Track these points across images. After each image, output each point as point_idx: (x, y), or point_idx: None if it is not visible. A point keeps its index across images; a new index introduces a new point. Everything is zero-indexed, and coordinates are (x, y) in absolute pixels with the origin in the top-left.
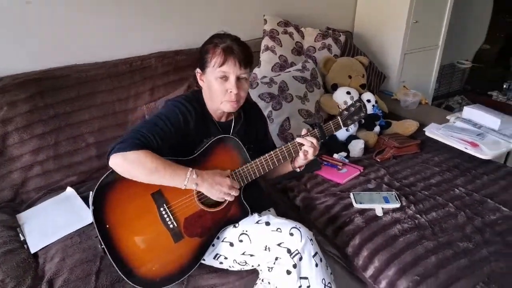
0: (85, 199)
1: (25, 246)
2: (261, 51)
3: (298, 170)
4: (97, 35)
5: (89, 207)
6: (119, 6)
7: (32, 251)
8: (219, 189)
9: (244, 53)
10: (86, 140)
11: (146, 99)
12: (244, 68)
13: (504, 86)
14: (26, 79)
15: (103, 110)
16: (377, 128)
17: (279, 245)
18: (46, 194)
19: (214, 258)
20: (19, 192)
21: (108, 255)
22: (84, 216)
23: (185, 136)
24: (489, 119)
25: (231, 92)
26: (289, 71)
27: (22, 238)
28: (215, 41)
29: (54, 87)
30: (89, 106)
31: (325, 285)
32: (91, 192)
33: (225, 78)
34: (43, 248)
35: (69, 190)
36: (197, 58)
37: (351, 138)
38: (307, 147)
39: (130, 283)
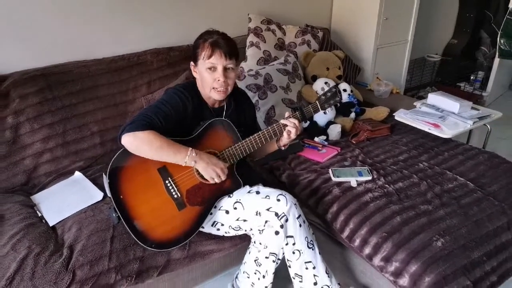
0: (93, 181)
1: (43, 221)
2: (246, 47)
3: (282, 148)
4: (96, 34)
5: (97, 188)
6: (116, 8)
7: (51, 224)
8: (213, 169)
9: (228, 46)
10: (91, 129)
11: (143, 92)
12: (230, 59)
13: (471, 77)
14: (34, 74)
15: (105, 102)
16: (352, 115)
17: (268, 209)
18: (56, 178)
19: (212, 225)
20: (31, 176)
21: (123, 221)
22: (94, 194)
23: (183, 119)
24: (449, 104)
25: (219, 80)
26: (273, 65)
27: (39, 215)
28: (205, 37)
29: (60, 81)
30: (92, 98)
31: (307, 242)
32: (104, 174)
33: (213, 68)
34: (60, 221)
35: (77, 174)
36: (190, 53)
37: (330, 123)
38: (290, 127)
39: (142, 244)
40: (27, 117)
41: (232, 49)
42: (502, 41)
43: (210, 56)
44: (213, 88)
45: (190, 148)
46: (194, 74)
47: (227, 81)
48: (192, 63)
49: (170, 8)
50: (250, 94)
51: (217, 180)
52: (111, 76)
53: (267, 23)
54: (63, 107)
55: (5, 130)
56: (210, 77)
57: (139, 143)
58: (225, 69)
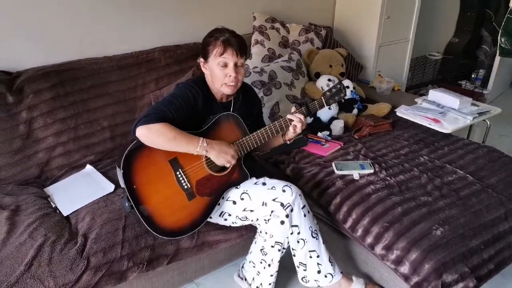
0: (104, 174)
1: (57, 211)
2: (251, 45)
3: (288, 142)
4: (107, 33)
5: (108, 180)
6: (126, 7)
7: (65, 214)
8: (224, 156)
9: (239, 44)
10: (101, 124)
11: (152, 88)
12: (240, 56)
13: (472, 75)
14: (48, 70)
15: (115, 98)
16: (355, 111)
17: (274, 200)
18: (68, 171)
19: (219, 215)
20: (44, 170)
21: (135, 210)
22: (105, 186)
23: (193, 112)
24: (450, 100)
25: (230, 76)
26: (277, 62)
27: (53, 205)
28: (215, 35)
29: (72, 78)
30: (103, 94)
31: (312, 231)
32: (117, 165)
33: (225, 65)
34: (73, 212)
35: (89, 167)
36: (200, 50)
37: (333, 119)
38: (296, 122)
39: (153, 232)
40: (41, 112)
41: (242, 46)
42: (503, 40)
43: (222, 53)
44: (224, 83)
45: (202, 138)
46: (204, 70)
47: (237, 77)
48: (201, 59)
49: (178, 7)
50: (255, 90)
51: (227, 165)
52: (120, 73)
53: (271, 22)
54: (75, 103)
55: (19, 125)
56: (221, 73)
57: (154, 135)
58: (236, 65)
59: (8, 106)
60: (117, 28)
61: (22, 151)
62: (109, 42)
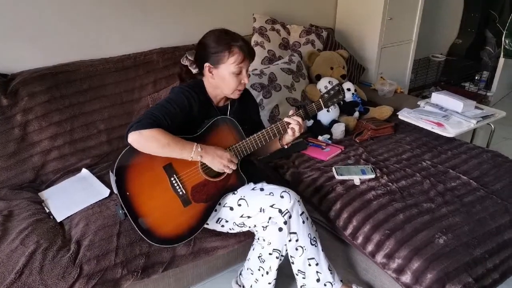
0: (100, 178)
1: (51, 216)
2: None
3: (286, 146)
4: (103, 34)
5: (104, 185)
6: (123, 9)
7: (58, 220)
8: (219, 161)
9: (252, 52)
10: (98, 127)
11: (149, 90)
12: (251, 63)
13: (476, 77)
14: (43, 73)
15: (111, 100)
16: (356, 114)
17: (271, 206)
18: (64, 175)
19: (216, 222)
20: (39, 173)
21: (129, 218)
22: (101, 191)
23: (189, 117)
24: (453, 103)
25: (244, 82)
26: (277, 64)
27: (47, 211)
28: (230, 42)
29: (68, 80)
30: (99, 97)
31: (310, 239)
32: (110, 171)
33: (240, 72)
34: (67, 217)
35: (84, 171)
36: (206, 53)
37: (333, 122)
38: (294, 125)
39: (148, 240)
40: (36, 115)
41: (254, 53)
42: (507, 41)
43: (241, 62)
44: (237, 89)
45: (196, 143)
46: (208, 74)
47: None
48: (208, 64)
49: (176, 8)
50: (254, 93)
51: (227, 171)
52: (117, 75)
53: (272, 23)
54: (70, 106)
55: (14, 128)
56: (235, 80)
57: (146, 141)
58: (246, 71)
59: (3, 109)
60: (114, 30)
61: (17, 155)
62: (106, 44)
